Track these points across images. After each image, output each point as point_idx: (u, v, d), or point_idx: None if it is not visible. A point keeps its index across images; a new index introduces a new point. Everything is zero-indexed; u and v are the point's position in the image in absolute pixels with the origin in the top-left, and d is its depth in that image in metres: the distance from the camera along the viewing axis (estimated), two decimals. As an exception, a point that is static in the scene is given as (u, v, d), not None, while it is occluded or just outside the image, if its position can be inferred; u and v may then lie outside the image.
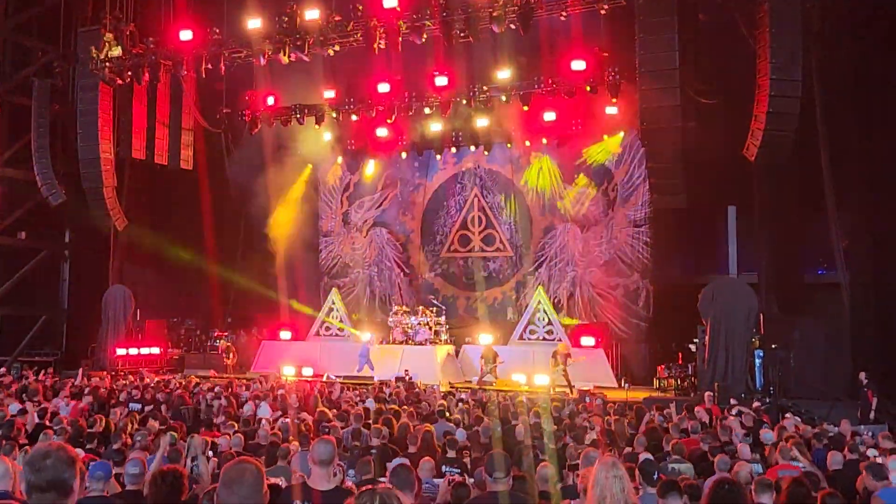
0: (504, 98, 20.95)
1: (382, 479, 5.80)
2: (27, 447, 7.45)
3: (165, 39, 20.41)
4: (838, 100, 16.49)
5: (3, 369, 19.12)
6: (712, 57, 17.80)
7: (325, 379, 19.41)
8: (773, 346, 16.75)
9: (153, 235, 23.86)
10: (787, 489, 5.51)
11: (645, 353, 20.78)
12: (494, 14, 17.13)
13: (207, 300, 25.38)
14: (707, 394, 15.01)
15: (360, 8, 18.27)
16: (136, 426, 9.75)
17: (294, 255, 25.10)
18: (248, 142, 23.96)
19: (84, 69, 21.49)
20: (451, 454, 8.09)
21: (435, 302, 22.98)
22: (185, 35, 19.83)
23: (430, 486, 6.68)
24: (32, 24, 23.61)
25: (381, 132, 23.79)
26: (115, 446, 7.99)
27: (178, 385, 16.11)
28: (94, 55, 20.55)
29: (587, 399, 14.85)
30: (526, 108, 20.70)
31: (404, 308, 22.69)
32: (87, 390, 14.30)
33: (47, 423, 9.85)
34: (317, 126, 23.28)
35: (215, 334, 23.96)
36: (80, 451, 6.65)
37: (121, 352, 22.46)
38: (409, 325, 21.77)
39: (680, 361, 18.61)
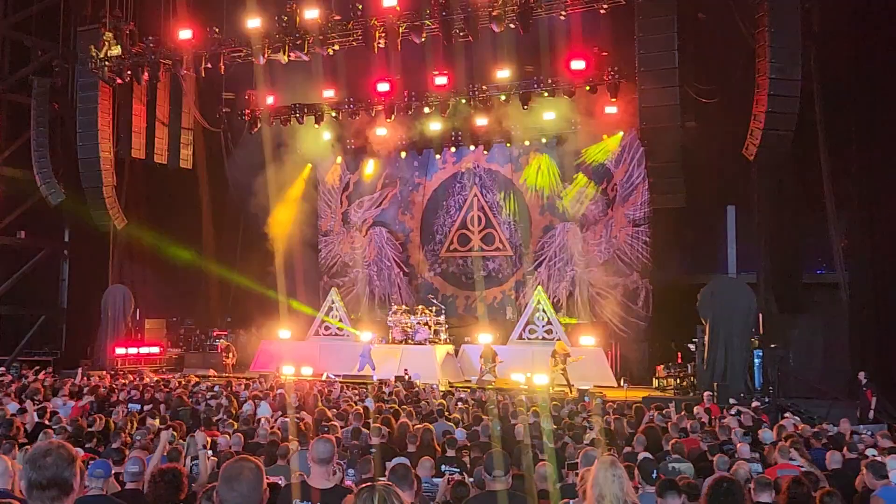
0: (503, 97, 20.96)
1: (382, 479, 5.81)
2: (27, 446, 7.46)
3: (165, 39, 20.41)
4: (837, 100, 16.50)
5: (2, 369, 19.11)
6: (712, 56, 17.82)
7: (324, 378, 19.42)
8: (773, 345, 16.76)
9: (152, 235, 23.86)
10: (787, 488, 5.52)
11: (644, 352, 20.78)
12: (494, 13, 17.13)
13: (207, 299, 25.39)
14: (706, 393, 15.04)
15: (360, 7, 18.28)
16: (135, 425, 9.75)
17: (293, 255, 25.10)
18: (248, 141, 23.96)
19: (83, 68, 21.49)
20: (451, 453, 8.09)
21: (434, 301, 22.98)
22: (185, 34, 19.83)
23: (430, 485, 6.69)
24: (32, 23, 23.56)
25: (381, 131, 23.81)
26: (114, 445, 8.00)
27: (177, 384, 16.10)
28: (94, 54, 20.55)
29: (586, 398, 14.87)
30: (525, 107, 20.71)
31: (404, 307, 22.69)
32: (86, 389, 14.30)
33: (47, 422, 9.85)
34: (316, 125, 23.29)
35: (214, 333, 23.96)
36: (79, 451, 6.65)
37: (120, 351, 22.45)
38: (409, 325, 21.77)
39: (679, 361, 18.62)
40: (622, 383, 19.19)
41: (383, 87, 21.13)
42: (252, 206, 24.10)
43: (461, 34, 18.05)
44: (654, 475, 5.86)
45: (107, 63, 20.62)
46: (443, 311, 22.32)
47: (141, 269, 24.11)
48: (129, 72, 20.84)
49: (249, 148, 23.80)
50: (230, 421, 10.68)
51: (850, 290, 16.63)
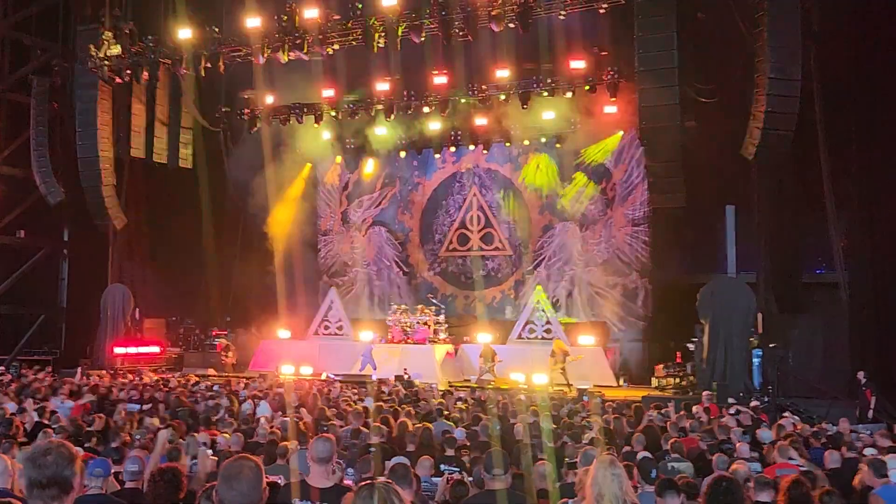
0: (503, 97, 20.96)
1: (381, 477, 5.81)
2: (26, 445, 7.46)
3: (164, 38, 20.41)
4: (837, 99, 16.50)
5: (1, 368, 19.12)
6: (711, 56, 17.82)
7: (323, 378, 19.42)
8: (772, 345, 16.76)
9: (152, 234, 23.85)
10: (787, 488, 5.52)
11: (643, 352, 20.80)
12: (493, 13, 17.14)
13: (206, 299, 25.37)
14: (705, 393, 15.03)
15: (360, 7, 18.28)
16: (135, 425, 9.75)
17: (293, 254, 25.09)
18: (247, 140, 23.95)
19: (83, 67, 21.45)
20: (450, 453, 8.10)
21: (434, 301, 22.98)
22: (185, 34, 19.82)
23: (429, 484, 6.69)
24: (31, 22, 23.56)
25: (380, 131, 23.82)
26: (114, 444, 8.00)
27: (177, 384, 16.10)
28: (93, 53, 20.54)
29: (585, 398, 14.87)
30: (525, 107, 20.71)
31: (403, 307, 22.69)
32: (85, 389, 14.30)
33: (46, 421, 9.85)
34: (316, 125, 23.29)
35: (214, 333, 23.95)
36: (79, 450, 6.65)
37: (119, 351, 22.42)
38: (408, 324, 21.77)
39: (678, 360, 18.61)
40: (621, 383, 19.24)
41: (382, 86, 21.14)
42: (251, 205, 24.09)
43: (461, 34, 18.05)
44: (654, 474, 5.86)
45: (106, 62, 20.61)
46: (442, 311, 22.32)
47: (140, 268, 24.09)
48: (128, 71, 20.84)
49: (249, 147, 23.79)
50: (230, 420, 10.68)
51: (850, 289, 16.63)
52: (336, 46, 19.20)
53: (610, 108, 20.61)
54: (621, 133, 21.99)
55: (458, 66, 20.17)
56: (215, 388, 15.36)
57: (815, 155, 16.62)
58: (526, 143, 23.45)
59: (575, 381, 18.10)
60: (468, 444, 8.77)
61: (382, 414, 10.20)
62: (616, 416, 11.57)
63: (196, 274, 24.67)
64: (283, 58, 19.06)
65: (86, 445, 8.18)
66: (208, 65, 19.94)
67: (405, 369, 18.89)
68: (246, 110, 23.32)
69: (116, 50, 20.45)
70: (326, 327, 23.58)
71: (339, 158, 26.15)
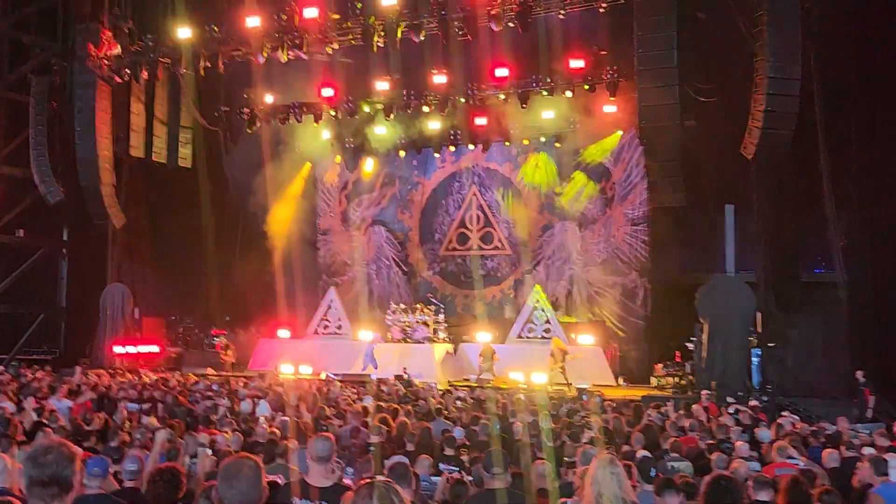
0: (502, 96, 20.96)
1: (381, 477, 5.81)
2: (25, 445, 7.46)
3: (164, 37, 20.41)
4: (836, 99, 16.50)
5: (0, 367, 19.09)
6: (711, 55, 17.81)
7: (322, 377, 19.41)
8: (771, 344, 16.78)
9: (151, 234, 23.85)
10: (786, 488, 5.53)
11: (643, 351, 20.80)
12: (493, 12, 17.14)
13: (205, 298, 25.38)
14: (704, 392, 15.03)
15: (359, 6, 18.28)
16: (135, 424, 9.75)
17: (292, 253, 25.08)
18: (247, 140, 23.94)
19: (82, 66, 21.44)
20: (450, 452, 8.10)
21: (433, 300, 22.99)
22: (184, 33, 19.82)
23: (428, 483, 6.69)
24: (31, 21, 23.53)
25: (379, 130, 23.82)
26: (113, 443, 8.00)
27: (176, 384, 16.09)
28: (93, 52, 20.52)
29: (584, 397, 14.87)
30: (524, 106, 20.71)
31: (402, 306, 22.70)
32: (83, 388, 14.27)
33: (45, 420, 9.83)
34: (315, 124, 23.28)
35: (213, 332, 23.94)
36: (77, 449, 6.65)
37: (119, 350, 22.41)
38: (408, 324, 21.77)
39: (678, 360, 18.63)
40: (620, 382, 19.23)
41: (382, 85, 21.15)
42: (251, 204, 24.08)
43: (460, 33, 18.05)
44: (653, 474, 5.87)
45: (105, 61, 20.60)
46: (442, 310, 22.33)
47: (139, 267, 24.09)
48: (127, 70, 20.84)
49: (248, 146, 23.79)
50: (229, 419, 10.67)
51: (849, 289, 16.64)
52: (335, 46, 19.20)
53: (609, 108, 20.62)
54: (621, 132, 21.98)
55: (457, 65, 20.17)
56: (214, 387, 15.35)
57: (815, 155, 16.62)
58: (525, 142, 23.44)
59: (574, 381, 18.11)
60: (468, 443, 8.77)
61: (382, 413, 10.20)
62: (615, 415, 11.57)
63: (195, 273, 24.67)
64: (283, 57, 19.06)
65: (85, 444, 8.17)
66: (208, 64, 19.94)
67: (404, 368, 18.90)
68: (245, 109, 23.30)
69: (116, 49, 20.46)
70: (326, 327, 23.58)
71: (338, 158, 26.14)
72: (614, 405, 13.59)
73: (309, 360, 21.46)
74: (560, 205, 23.15)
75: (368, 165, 25.79)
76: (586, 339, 20.66)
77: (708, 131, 17.66)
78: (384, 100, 21.73)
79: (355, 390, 15.57)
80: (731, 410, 12.41)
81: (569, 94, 20.45)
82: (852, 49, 16.64)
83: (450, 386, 17.98)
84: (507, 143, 23.65)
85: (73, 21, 22.78)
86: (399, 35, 18.07)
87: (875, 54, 16.36)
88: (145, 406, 12.41)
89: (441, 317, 22.03)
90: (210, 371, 21.56)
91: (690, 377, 17.93)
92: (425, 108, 21.79)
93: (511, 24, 17.34)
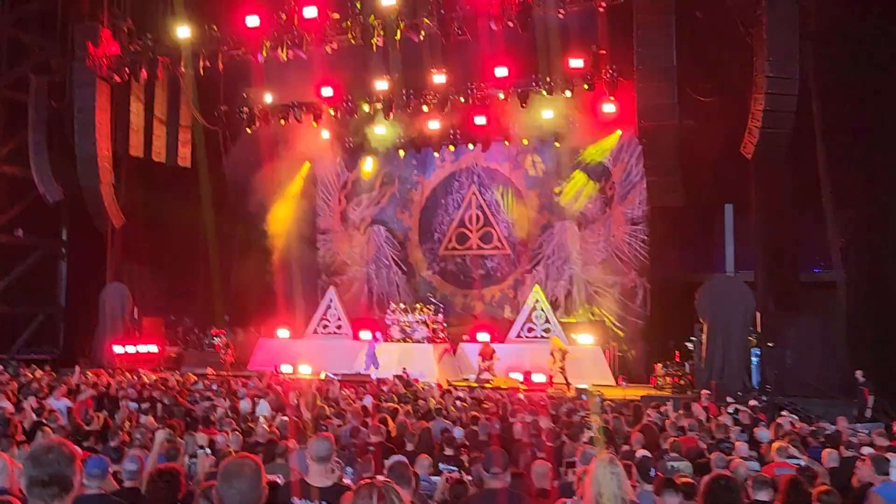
0: (502, 96, 20.95)
1: (381, 476, 5.81)
2: (24, 444, 7.46)
3: (163, 36, 20.40)
4: (835, 98, 16.52)
5: (-1, 367, 19.08)
6: (709, 55, 17.82)
7: (322, 377, 19.41)
8: (770, 344, 16.79)
9: (150, 233, 23.82)
10: (785, 488, 5.54)
11: (642, 350, 20.82)
12: (492, 12, 17.13)
13: (205, 298, 25.34)
14: (704, 392, 15.04)
15: (359, 5, 18.28)
16: (134, 423, 9.75)
17: (292, 253, 25.08)
18: (246, 139, 23.93)
19: (81, 66, 21.43)
20: (449, 452, 8.10)
21: (433, 300, 22.99)
22: (183, 32, 19.81)
23: (428, 483, 6.69)
24: (30, 20, 23.52)
25: (379, 129, 23.82)
26: (112, 443, 8.00)
27: (175, 383, 16.09)
28: (92, 52, 20.51)
29: (584, 397, 14.88)
30: (523, 105, 20.71)
31: (402, 306, 22.70)
32: (82, 387, 14.26)
33: (44, 420, 9.83)
34: (314, 123, 23.26)
35: (213, 332, 23.93)
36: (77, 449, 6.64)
37: (118, 350, 22.41)
38: (407, 323, 21.75)
39: (677, 359, 18.63)
40: (620, 382, 19.23)
41: (381, 85, 21.14)
42: (250, 204, 24.08)
43: (459, 33, 18.04)
44: (652, 474, 5.87)
45: (105, 61, 20.59)
46: (441, 310, 22.33)
47: (139, 267, 24.08)
48: (127, 70, 20.83)
49: (248, 146, 23.77)
50: (228, 419, 10.67)
51: (848, 289, 16.66)
52: (335, 45, 19.19)
53: (609, 107, 20.62)
54: (620, 132, 21.98)
55: (456, 64, 20.17)
56: (213, 387, 15.35)
57: (814, 154, 16.64)
58: (525, 141, 23.44)
59: (574, 381, 18.13)
60: (467, 443, 8.78)
61: (381, 413, 10.20)
62: (615, 415, 11.58)
63: (195, 273, 24.66)
64: (282, 56, 19.05)
65: (84, 444, 8.17)
66: (207, 63, 19.93)
67: (404, 368, 18.89)
68: (245, 109, 23.28)
69: (115, 48, 20.44)
70: (325, 326, 23.59)
71: (338, 157, 26.14)
72: (613, 405, 13.59)
73: (308, 360, 21.47)
74: (560, 204, 23.15)
75: (368, 165, 25.79)
76: (586, 338, 20.67)
77: (707, 131, 17.65)
78: (384, 99, 21.72)
79: (355, 390, 15.57)
80: (730, 410, 12.44)
81: (568, 93, 20.45)
82: (850, 48, 16.64)
83: (449, 386, 17.98)
84: (506, 143, 23.65)
85: (73, 20, 22.77)
86: (398, 34, 18.06)
87: (873, 53, 16.37)
88: (144, 405, 12.40)
89: (440, 316, 22.04)
90: (209, 371, 21.56)
91: (690, 377, 17.94)
92: (425, 108, 21.77)
93: (510, 24, 17.32)
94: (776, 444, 8.06)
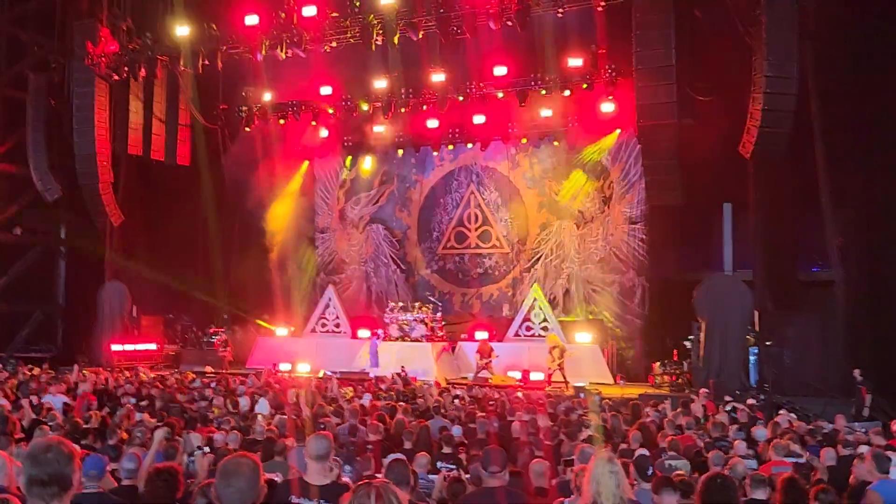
0: (500, 95, 20.96)
1: (379, 475, 5.82)
2: (22, 443, 7.46)
3: (162, 35, 20.39)
4: (834, 97, 16.52)
5: (-2, 365, 19.08)
6: (708, 54, 17.82)
7: (320, 375, 19.43)
8: (768, 343, 16.81)
9: (149, 231, 23.81)
10: (782, 486, 5.55)
11: (640, 349, 20.83)
12: (491, 11, 17.14)
13: (204, 296, 25.35)
14: (702, 390, 15.05)
15: (357, 4, 18.28)
16: (132, 421, 9.75)
17: (290, 251, 25.07)
18: (245, 138, 23.93)
19: (80, 64, 21.42)
20: (447, 450, 8.11)
21: (431, 298, 23.00)
22: (182, 30, 19.80)
23: (426, 481, 6.70)
24: (29, 18, 23.51)
25: (378, 128, 23.82)
26: (111, 442, 8.01)
27: (174, 382, 16.10)
28: (91, 50, 20.49)
29: (582, 395, 14.90)
30: (522, 104, 20.72)
31: (400, 304, 22.71)
32: (80, 385, 14.26)
33: (42, 418, 9.83)
34: (313, 122, 23.28)
35: (211, 330, 23.94)
36: (75, 447, 6.64)
37: (117, 348, 22.42)
38: (406, 322, 21.76)
39: (675, 358, 18.66)
40: (618, 380, 19.25)
41: (380, 83, 21.14)
42: (249, 202, 24.08)
43: (458, 32, 18.04)
44: (650, 472, 5.88)
45: (103, 59, 20.57)
46: (439, 308, 22.33)
47: (137, 265, 24.05)
48: (125, 68, 20.81)
49: (246, 144, 23.77)
50: (227, 417, 10.68)
51: (846, 288, 16.67)
52: (334, 44, 19.20)
53: (607, 106, 20.64)
54: (619, 131, 21.99)
55: (455, 63, 20.17)
56: (212, 385, 15.36)
57: (812, 153, 16.64)
58: (523, 140, 23.45)
59: (572, 379, 18.15)
60: (465, 441, 8.79)
61: (379, 411, 10.21)
62: (613, 413, 11.60)
63: (193, 271, 24.65)
64: (282, 55, 19.05)
65: (82, 442, 8.17)
66: (206, 62, 19.92)
67: (402, 367, 18.89)
68: (244, 107, 23.30)
69: (114, 46, 20.43)
70: (324, 325, 23.60)
71: (336, 156, 26.13)
72: (611, 404, 13.60)
73: (307, 358, 21.48)
74: (558, 203, 23.16)
75: (367, 163, 25.79)
76: (584, 337, 20.68)
77: (706, 130, 17.66)
78: (383, 98, 21.72)
79: (353, 388, 15.58)
80: (728, 409, 12.45)
81: (567, 92, 20.45)
82: (849, 48, 16.65)
83: (448, 384, 18.00)
84: (505, 142, 23.66)
85: (72, 19, 22.74)
86: (397, 34, 18.06)
87: (872, 53, 16.38)
88: (142, 403, 12.40)
89: (439, 315, 22.04)
90: (208, 369, 21.58)
91: (688, 375, 17.97)
92: (423, 107, 21.78)
93: (509, 23, 17.33)
94: (774, 443, 8.07)
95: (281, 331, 23.36)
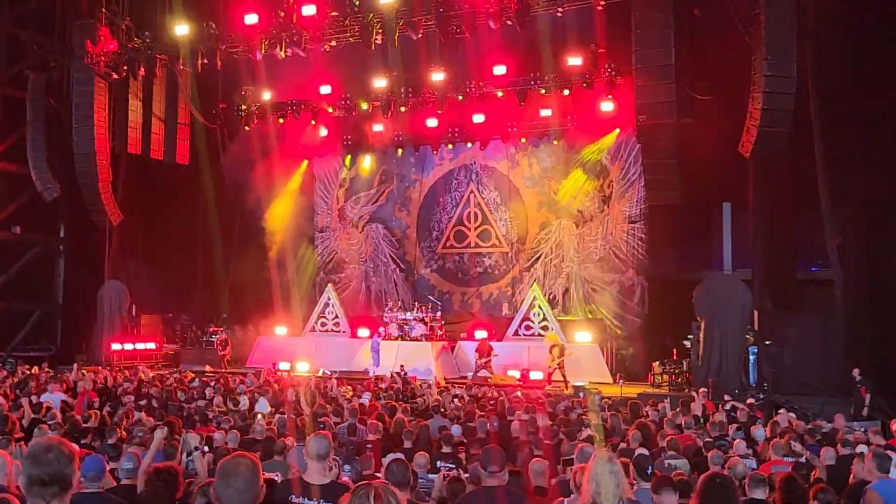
0: (500, 94, 20.95)
1: (378, 475, 5.83)
2: (22, 442, 7.46)
3: (161, 34, 20.38)
4: (832, 97, 16.53)
5: (-3, 364, 19.08)
6: (708, 53, 17.84)
7: (320, 374, 19.42)
8: (767, 342, 16.81)
9: (148, 230, 23.82)
10: (781, 485, 5.55)
11: (640, 348, 20.83)
12: (491, 10, 17.13)
13: (203, 295, 25.36)
14: (701, 390, 15.05)
15: (357, 3, 18.27)
16: (132, 420, 9.75)
17: (289, 251, 25.07)
18: (244, 137, 23.93)
19: (79, 63, 21.42)
20: (447, 449, 8.12)
21: (430, 297, 23.00)
22: (181, 30, 19.79)
23: (426, 480, 6.70)
24: (28, 18, 23.50)
25: (377, 127, 23.81)
26: (110, 441, 8.01)
27: (173, 381, 16.09)
28: (90, 49, 20.49)
29: (582, 395, 14.90)
30: (522, 103, 20.71)
31: (400, 304, 22.71)
32: (79, 385, 14.26)
33: (41, 417, 9.83)
34: (313, 121, 23.28)
35: (211, 330, 23.93)
36: (75, 447, 6.64)
37: (116, 347, 22.41)
38: (405, 321, 21.77)
39: (675, 357, 18.66)
40: (618, 380, 19.25)
41: (380, 83, 21.13)
42: (249, 201, 24.07)
43: (458, 31, 18.04)
44: (650, 471, 5.88)
45: (103, 58, 20.56)
46: (439, 308, 22.34)
47: (137, 264, 24.06)
48: (125, 67, 20.81)
49: (246, 143, 23.77)
50: (226, 417, 10.68)
51: (845, 286, 16.68)
52: (333, 43, 19.19)
53: (607, 105, 20.64)
54: (618, 130, 21.99)
55: (455, 63, 20.17)
56: (212, 384, 15.35)
57: (811, 152, 16.65)
58: (523, 140, 23.45)
59: (571, 378, 18.14)
60: (465, 440, 8.79)
61: (379, 410, 10.21)
62: (612, 412, 11.60)
63: (193, 270, 24.65)
64: (281, 54, 19.05)
65: (82, 442, 8.17)
66: (205, 61, 19.92)
67: (402, 366, 18.90)
68: (243, 106, 23.29)
69: (113, 46, 20.42)
70: (323, 324, 23.58)
71: (336, 155, 26.12)
72: (611, 403, 13.61)
73: (306, 358, 21.47)
74: (557, 202, 23.15)
75: (366, 163, 25.80)
76: (584, 336, 20.68)
77: (705, 129, 17.67)
78: (382, 97, 21.72)
79: (353, 387, 15.58)
80: (727, 408, 12.45)
81: (566, 91, 20.44)
82: (848, 47, 16.67)
83: (447, 383, 18.00)
84: (504, 141, 23.65)
85: (71, 18, 22.74)
86: (397, 32, 18.05)
87: (871, 52, 16.39)
88: (141, 403, 12.41)
89: (438, 314, 22.04)
90: (207, 368, 21.58)
91: (687, 375, 17.96)
92: (423, 106, 21.77)
93: (509, 22, 17.33)
94: (773, 442, 8.07)
95: (280, 330, 23.33)
